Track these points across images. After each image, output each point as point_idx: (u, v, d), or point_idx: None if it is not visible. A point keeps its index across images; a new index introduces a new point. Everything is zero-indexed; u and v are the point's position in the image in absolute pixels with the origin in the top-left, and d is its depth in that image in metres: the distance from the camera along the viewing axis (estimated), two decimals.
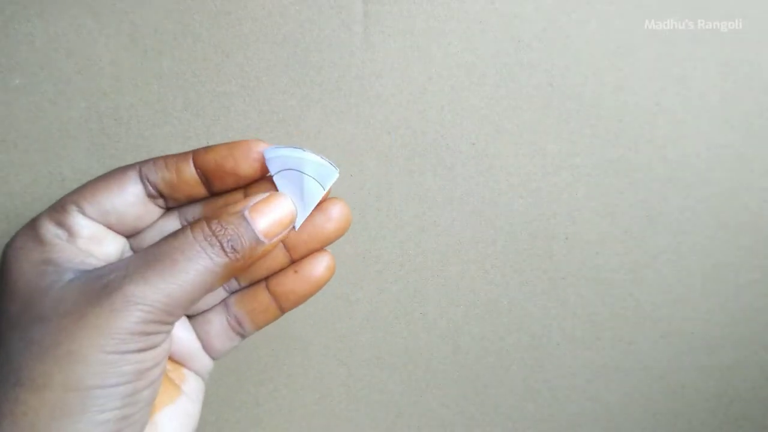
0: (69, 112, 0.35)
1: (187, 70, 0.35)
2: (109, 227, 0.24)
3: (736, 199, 0.38)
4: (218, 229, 0.22)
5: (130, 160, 0.36)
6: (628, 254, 0.39)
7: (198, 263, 0.21)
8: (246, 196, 0.26)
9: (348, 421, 0.40)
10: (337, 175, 0.24)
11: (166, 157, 0.24)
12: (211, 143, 0.36)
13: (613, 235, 0.38)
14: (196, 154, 0.24)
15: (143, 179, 0.24)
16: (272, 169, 0.24)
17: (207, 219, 0.22)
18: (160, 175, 0.24)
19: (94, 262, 0.22)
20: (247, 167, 0.24)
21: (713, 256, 0.39)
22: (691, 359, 0.40)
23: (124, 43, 0.34)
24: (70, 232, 0.23)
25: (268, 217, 0.23)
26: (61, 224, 0.23)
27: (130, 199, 0.24)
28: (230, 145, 0.24)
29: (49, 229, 0.23)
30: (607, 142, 0.37)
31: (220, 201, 0.26)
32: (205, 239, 0.22)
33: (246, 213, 0.23)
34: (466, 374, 0.40)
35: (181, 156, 0.24)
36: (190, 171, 0.24)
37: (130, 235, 0.25)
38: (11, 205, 0.35)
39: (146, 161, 0.24)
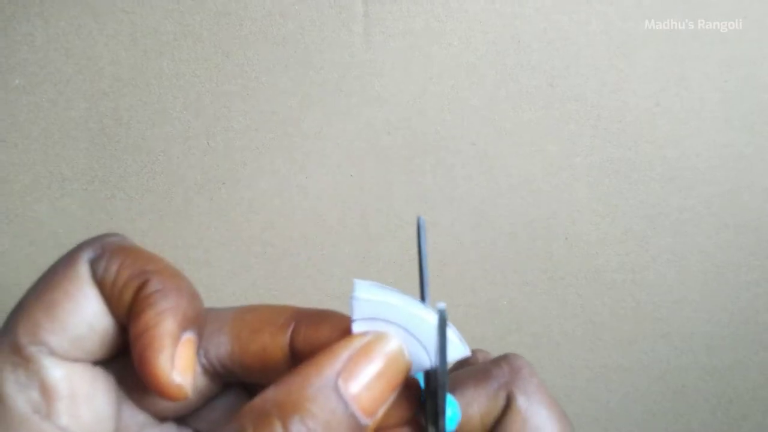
0: (69, 112, 0.35)
1: (187, 70, 0.35)
2: (87, 359, 0.16)
3: (736, 199, 0.38)
4: None
5: (130, 161, 0.36)
6: (628, 254, 0.39)
7: None
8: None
9: None
10: (466, 355, 0.16)
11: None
12: (211, 143, 0.36)
13: (613, 235, 0.38)
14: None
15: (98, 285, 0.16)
16: (357, 314, 0.16)
17: (281, 412, 0.13)
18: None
19: None
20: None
21: (713, 256, 0.39)
22: (691, 359, 0.40)
23: (124, 43, 0.34)
24: (45, 395, 0.14)
25: (370, 381, 0.14)
26: (32, 381, 0.14)
27: (93, 308, 0.16)
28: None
29: (18, 394, 0.14)
30: (607, 142, 0.37)
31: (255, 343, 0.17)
32: None
33: (339, 384, 0.14)
34: None
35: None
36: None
37: (104, 360, 0.17)
38: (11, 205, 0.35)
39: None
